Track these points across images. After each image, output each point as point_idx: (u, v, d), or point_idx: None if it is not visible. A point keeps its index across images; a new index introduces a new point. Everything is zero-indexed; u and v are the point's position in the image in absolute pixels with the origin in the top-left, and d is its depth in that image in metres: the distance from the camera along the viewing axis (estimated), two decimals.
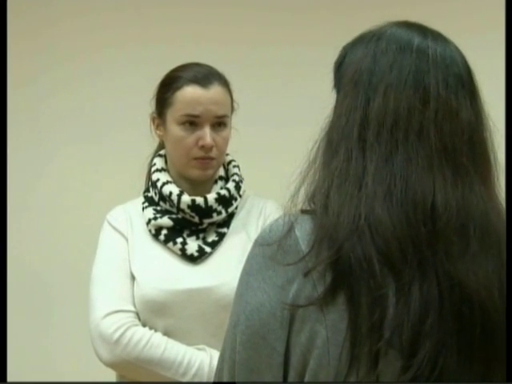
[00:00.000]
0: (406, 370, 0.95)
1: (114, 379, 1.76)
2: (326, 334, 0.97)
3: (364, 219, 0.96)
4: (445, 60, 1.05)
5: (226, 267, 1.66)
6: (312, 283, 0.97)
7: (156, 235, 1.71)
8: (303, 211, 1.03)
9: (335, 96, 1.10)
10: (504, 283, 1.00)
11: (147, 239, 1.72)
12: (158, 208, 1.73)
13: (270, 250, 1.01)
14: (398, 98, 1.01)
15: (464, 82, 1.05)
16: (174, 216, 1.70)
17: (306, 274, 0.97)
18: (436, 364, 0.95)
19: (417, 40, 1.05)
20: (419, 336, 0.95)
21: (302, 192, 1.04)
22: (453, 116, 1.02)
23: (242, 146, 1.79)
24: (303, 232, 1.00)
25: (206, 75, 1.70)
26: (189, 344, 1.62)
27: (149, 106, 1.78)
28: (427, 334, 0.95)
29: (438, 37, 1.08)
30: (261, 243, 1.03)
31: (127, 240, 1.72)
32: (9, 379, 1.89)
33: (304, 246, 0.99)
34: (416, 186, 0.98)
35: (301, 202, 1.04)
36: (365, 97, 1.03)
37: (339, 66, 1.11)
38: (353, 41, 1.12)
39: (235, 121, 1.77)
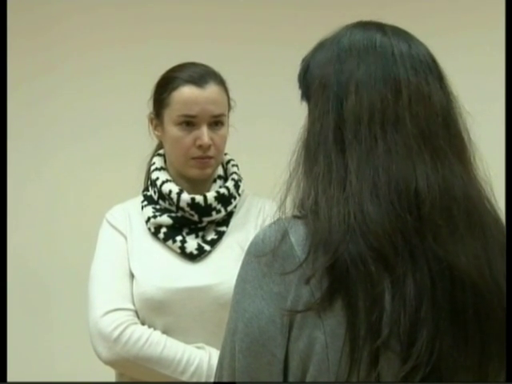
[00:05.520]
0: (405, 360, 0.95)
1: (113, 379, 1.76)
2: (324, 340, 0.97)
3: (354, 218, 0.96)
4: (409, 52, 1.05)
5: (225, 265, 1.66)
6: (309, 289, 0.97)
7: (155, 233, 1.71)
8: (295, 216, 1.03)
9: (307, 106, 1.10)
10: (492, 261, 1.01)
11: (146, 237, 1.72)
12: (158, 206, 1.73)
13: (266, 258, 1.00)
14: (371, 93, 1.02)
15: (431, 68, 1.06)
16: (173, 214, 1.70)
17: (306, 282, 0.97)
18: (433, 349, 0.95)
19: (378, 38, 1.06)
20: (416, 326, 0.95)
21: (289, 202, 1.04)
22: (426, 100, 1.03)
23: (241, 144, 1.80)
24: (298, 237, 1.00)
25: (201, 75, 1.70)
26: (188, 342, 1.62)
27: (148, 104, 1.79)
28: (423, 322, 0.95)
29: (397, 31, 1.09)
30: (255, 253, 1.02)
31: (126, 238, 1.72)
32: (9, 379, 1.89)
33: (300, 252, 0.99)
34: (398, 176, 0.98)
35: (289, 212, 1.04)
36: (336, 98, 1.03)
37: (304, 77, 1.11)
38: (312, 50, 1.12)
39: (233, 119, 1.78)
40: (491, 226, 1.03)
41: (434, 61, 1.08)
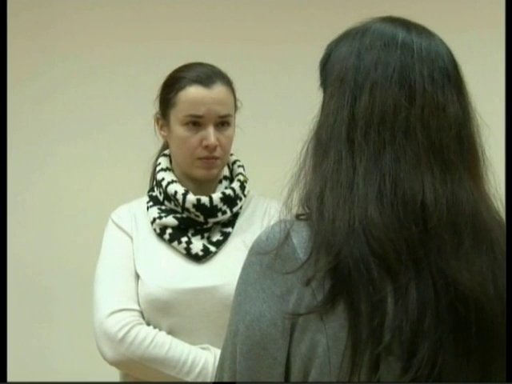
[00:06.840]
0: (405, 371, 0.95)
1: (117, 379, 1.76)
2: (326, 343, 0.97)
3: (358, 222, 0.96)
4: (430, 54, 1.04)
5: (230, 267, 1.65)
6: (311, 292, 0.97)
7: (161, 234, 1.71)
8: (298, 217, 1.03)
9: (322, 95, 1.10)
10: (498, 278, 1.00)
11: (152, 238, 1.72)
12: (163, 207, 1.73)
13: (268, 258, 1.00)
14: (384, 96, 1.01)
15: (450, 76, 1.04)
16: (178, 215, 1.70)
17: (306, 283, 0.97)
18: (435, 363, 0.95)
19: (401, 35, 1.04)
20: (417, 337, 0.95)
21: (295, 195, 1.03)
22: (439, 112, 1.01)
23: (247, 145, 1.80)
24: (300, 239, 1.00)
25: (208, 75, 1.70)
26: (193, 343, 1.62)
27: (151, 104, 1.78)
28: (425, 334, 0.95)
29: (422, 31, 1.07)
30: (257, 252, 1.02)
31: (132, 239, 1.72)
32: (9, 379, 1.89)
33: (302, 254, 0.98)
34: (405, 185, 0.98)
35: (295, 205, 1.03)
36: (351, 95, 1.02)
37: (325, 65, 1.10)
38: (337, 38, 1.11)
39: (239, 119, 1.78)
40: (501, 242, 1.02)
41: (455, 68, 1.06)
